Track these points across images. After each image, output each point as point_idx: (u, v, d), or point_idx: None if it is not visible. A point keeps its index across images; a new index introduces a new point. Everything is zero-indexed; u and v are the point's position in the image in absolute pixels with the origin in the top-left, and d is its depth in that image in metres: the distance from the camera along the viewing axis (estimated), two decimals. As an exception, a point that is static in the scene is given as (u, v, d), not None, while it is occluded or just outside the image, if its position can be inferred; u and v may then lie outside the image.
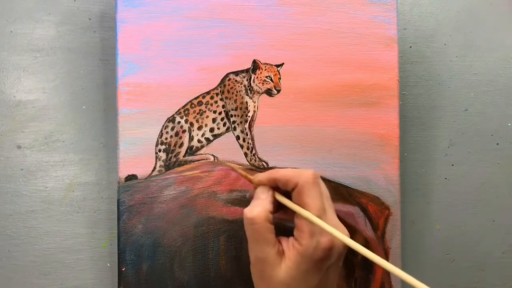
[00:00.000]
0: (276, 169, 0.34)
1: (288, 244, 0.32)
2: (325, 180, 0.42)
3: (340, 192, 0.42)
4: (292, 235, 0.33)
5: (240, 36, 0.42)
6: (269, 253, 0.31)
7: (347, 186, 0.42)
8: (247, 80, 0.42)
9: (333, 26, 0.43)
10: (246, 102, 0.42)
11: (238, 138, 0.42)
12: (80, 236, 0.44)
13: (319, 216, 0.31)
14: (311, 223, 0.31)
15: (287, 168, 0.35)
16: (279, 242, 0.33)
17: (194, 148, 0.42)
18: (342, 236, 0.30)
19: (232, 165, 0.40)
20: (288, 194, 0.34)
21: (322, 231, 0.31)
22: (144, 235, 0.40)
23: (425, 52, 0.48)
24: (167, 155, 0.41)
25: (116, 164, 0.40)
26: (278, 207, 0.34)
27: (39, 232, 0.44)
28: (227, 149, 0.42)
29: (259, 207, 0.33)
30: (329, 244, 0.31)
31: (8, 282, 0.43)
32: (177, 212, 0.40)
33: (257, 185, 0.35)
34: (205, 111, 0.42)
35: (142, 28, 0.41)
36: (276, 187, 0.34)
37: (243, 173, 0.36)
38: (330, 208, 0.33)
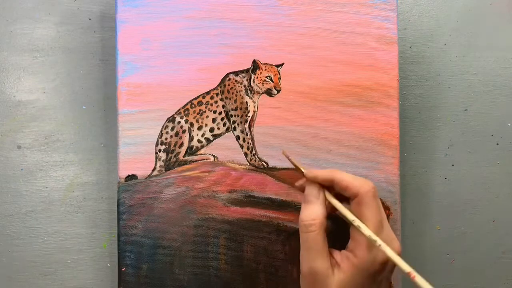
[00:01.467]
0: (336, 170, 0.33)
1: (341, 256, 0.32)
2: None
3: (340, 192, 0.42)
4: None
5: (240, 36, 0.42)
6: (323, 263, 0.31)
7: (347, 186, 0.42)
8: (247, 80, 0.42)
9: (333, 26, 0.43)
10: (246, 102, 0.42)
11: (238, 138, 0.42)
12: (80, 236, 0.44)
13: (377, 231, 0.30)
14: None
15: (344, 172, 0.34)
16: (331, 254, 0.32)
17: (194, 148, 0.42)
18: (393, 254, 0.29)
19: (286, 152, 0.37)
20: (338, 197, 0.33)
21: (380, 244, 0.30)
22: (144, 235, 0.40)
23: (425, 52, 0.48)
24: (167, 155, 0.41)
25: (116, 164, 0.40)
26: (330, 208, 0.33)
27: (39, 232, 0.44)
28: (227, 149, 0.42)
29: (316, 212, 0.32)
30: (386, 258, 0.30)
31: (8, 282, 0.43)
32: (177, 212, 0.40)
33: (310, 180, 0.34)
34: (205, 111, 0.42)
35: (142, 28, 0.41)
36: (327, 186, 0.33)
37: (296, 163, 0.35)
38: (385, 221, 0.32)
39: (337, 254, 0.32)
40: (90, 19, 0.45)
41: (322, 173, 0.33)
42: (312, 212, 0.32)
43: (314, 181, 0.34)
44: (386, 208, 0.42)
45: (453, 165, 0.48)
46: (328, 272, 0.31)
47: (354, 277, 0.30)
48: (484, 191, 0.48)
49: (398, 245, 0.32)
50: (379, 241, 0.30)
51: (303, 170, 0.34)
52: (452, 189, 0.48)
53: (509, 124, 0.49)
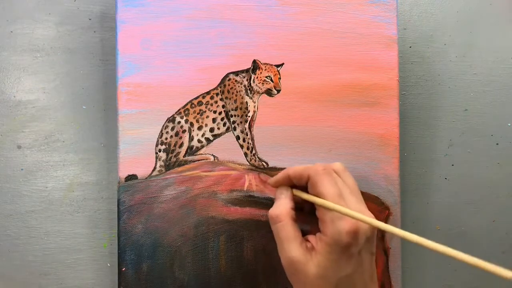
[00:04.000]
0: (289, 167, 0.35)
1: (316, 239, 0.32)
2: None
3: (340, 192, 0.42)
4: None
5: (240, 36, 0.42)
6: (297, 250, 0.32)
7: (347, 186, 0.42)
8: (247, 80, 0.42)
9: (333, 26, 0.43)
10: (246, 102, 0.42)
11: (238, 138, 0.42)
12: (80, 236, 0.44)
13: (335, 203, 0.31)
14: (328, 210, 0.31)
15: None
16: (307, 240, 0.33)
17: (194, 148, 0.42)
18: (355, 213, 0.29)
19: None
20: (306, 190, 0.34)
21: (342, 216, 0.30)
22: (144, 235, 0.40)
23: (425, 52, 0.48)
24: (167, 155, 0.41)
25: (116, 164, 0.40)
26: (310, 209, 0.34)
27: (39, 232, 0.44)
28: (227, 149, 0.42)
29: (281, 206, 0.33)
30: (352, 227, 0.30)
31: (8, 282, 0.43)
32: (177, 212, 0.40)
33: (274, 186, 0.36)
34: (205, 111, 0.42)
35: (142, 28, 0.41)
36: (294, 185, 0.35)
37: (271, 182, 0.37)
38: (350, 194, 0.32)
39: (312, 239, 0.33)
40: (90, 19, 0.45)
41: (279, 175, 0.35)
42: (278, 206, 0.34)
43: (279, 185, 0.36)
44: (386, 208, 0.42)
45: (453, 165, 0.48)
46: (305, 257, 0.31)
47: (329, 255, 0.30)
48: (484, 191, 0.48)
49: (369, 213, 0.32)
50: (333, 205, 0.30)
51: (269, 182, 0.37)
52: (452, 189, 0.48)
53: (509, 124, 0.49)
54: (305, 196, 0.34)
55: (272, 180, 0.36)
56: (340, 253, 0.30)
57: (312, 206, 0.34)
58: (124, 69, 0.40)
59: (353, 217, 0.30)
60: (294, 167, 0.34)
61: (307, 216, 0.35)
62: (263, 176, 0.41)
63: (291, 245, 0.32)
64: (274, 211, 0.33)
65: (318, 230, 0.32)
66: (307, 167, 0.33)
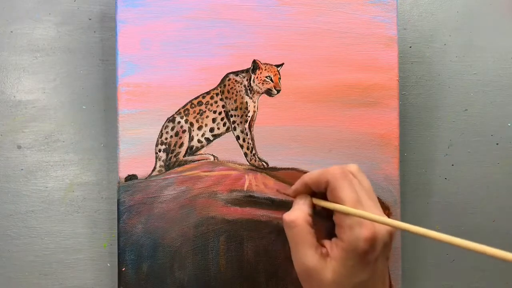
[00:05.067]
0: (306, 173, 0.34)
1: (331, 245, 0.31)
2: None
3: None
4: None
5: (240, 36, 0.42)
6: (312, 256, 0.31)
7: (347, 186, 0.42)
8: (247, 80, 0.42)
9: (333, 26, 0.43)
10: (246, 102, 0.42)
11: (238, 138, 0.42)
12: (80, 236, 0.44)
13: (355, 208, 0.30)
14: (347, 215, 0.30)
15: (314, 170, 0.35)
16: (322, 245, 0.32)
17: (194, 148, 0.42)
18: (377, 217, 0.29)
19: (281, 191, 0.40)
20: (325, 195, 0.33)
21: (362, 222, 0.30)
22: (144, 235, 0.40)
23: (425, 52, 0.48)
24: (167, 155, 0.41)
25: (116, 164, 0.40)
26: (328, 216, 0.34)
27: (39, 232, 0.44)
28: (227, 149, 0.42)
29: (298, 211, 0.33)
30: (371, 234, 0.29)
31: (8, 282, 0.43)
32: (177, 212, 0.40)
33: (293, 196, 0.35)
34: (205, 111, 0.42)
35: (142, 28, 0.41)
36: (313, 192, 0.34)
37: (284, 192, 0.37)
38: (369, 200, 0.32)
39: (327, 244, 0.32)
40: (90, 19, 0.45)
41: (298, 183, 0.34)
42: (294, 210, 0.33)
43: (299, 194, 0.35)
44: (386, 208, 0.42)
45: (453, 165, 0.48)
46: (320, 264, 0.31)
47: (345, 261, 0.30)
48: (484, 191, 0.48)
49: (387, 219, 0.31)
50: (357, 211, 0.30)
51: (287, 193, 0.36)
52: (452, 189, 0.48)
53: (509, 124, 0.49)
54: (324, 204, 0.33)
55: (290, 190, 0.35)
56: (357, 260, 0.30)
57: (329, 211, 0.33)
58: (124, 69, 0.40)
59: (378, 222, 0.29)
60: (310, 173, 0.34)
61: (324, 221, 0.34)
62: (263, 176, 0.41)
63: (306, 251, 0.31)
64: (289, 216, 0.32)
65: (332, 235, 0.32)
66: (324, 172, 0.32)
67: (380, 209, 0.33)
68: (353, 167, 0.33)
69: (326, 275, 0.30)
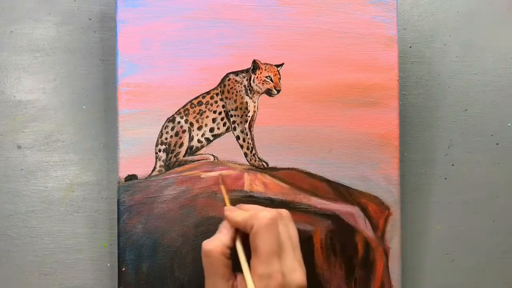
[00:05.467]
0: (237, 213, 0.34)
1: (241, 281, 0.32)
2: (325, 180, 0.42)
3: (340, 192, 0.42)
4: None
5: (240, 36, 0.42)
6: (222, 287, 0.32)
7: (347, 186, 0.42)
8: (247, 80, 0.42)
9: (333, 26, 0.43)
10: (246, 102, 0.42)
11: (238, 138, 0.42)
12: (80, 236, 0.44)
13: (269, 260, 0.31)
14: (261, 264, 0.31)
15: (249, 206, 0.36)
16: (235, 277, 0.33)
17: (194, 148, 0.42)
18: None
19: (221, 179, 0.41)
20: None
21: (272, 275, 0.30)
22: (144, 235, 0.40)
23: (425, 52, 0.48)
24: (167, 155, 0.41)
25: (116, 164, 0.40)
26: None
27: (39, 232, 0.44)
28: (227, 149, 0.42)
29: (217, 241, 0.33)
30: None
31: (8, 282, 0.43)
32: (177, 212, 0.40)
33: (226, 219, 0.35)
34: (205, 111, 0.42)
35: (142, 28, 0.41)
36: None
37: (225, 195, 0.38)
38: (290, 250, 0.33)
39: (239, 277, 0.33)
40: (90, 19, 0.45)
41: (227, 217, 0.35)
42: (213, 240, 0.33)
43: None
44: (386, 208, 0.42)
45: (453, 165, 0.48)
46: None
47: None
48: (484, 191, 0.48)
49: (301, 276, 0.32)
50: (247, 276, 0.31)
51: (226, 206, 0.37)
52: (452, 189, 0.48)
53: (509, 124, 0.49)
54: (238, 250, 0.33)
55: (225, 211, 0.35)
56: None
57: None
58: (124, 69, 0.40)
59: None
60: (241, 213, 0.34)
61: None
62: (263, 176, 0.41)
63: (216, 279, 0.32)
64: (207, 245, 0.33)
65: None
66: (252, 216, 0.33)
67: (300, 260, 0.33)
68: (284, 212, 0.34)
69: None
